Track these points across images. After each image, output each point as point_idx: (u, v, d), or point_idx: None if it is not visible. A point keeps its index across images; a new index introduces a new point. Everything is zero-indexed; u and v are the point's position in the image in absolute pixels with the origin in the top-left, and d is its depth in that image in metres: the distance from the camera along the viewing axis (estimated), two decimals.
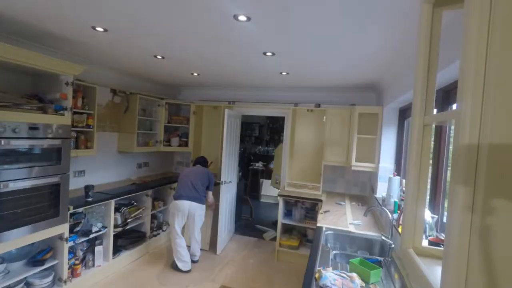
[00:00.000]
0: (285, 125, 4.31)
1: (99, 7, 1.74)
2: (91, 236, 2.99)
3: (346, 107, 3.80)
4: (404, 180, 2.64)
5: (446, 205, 1.86)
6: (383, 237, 2.32)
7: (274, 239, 3.65)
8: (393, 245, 2.09)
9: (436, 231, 1.87)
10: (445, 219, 1.55)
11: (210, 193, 3.68)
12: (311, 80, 3.58)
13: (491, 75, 0.46)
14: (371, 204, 3.22)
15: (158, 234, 4.08)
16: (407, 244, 0.85)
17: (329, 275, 1.63)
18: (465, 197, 0.49)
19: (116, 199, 3.28)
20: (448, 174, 1.84)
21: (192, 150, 4.63)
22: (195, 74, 3.63)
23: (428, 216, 1.67)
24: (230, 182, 4.13)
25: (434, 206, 1.93)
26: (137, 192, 3.64)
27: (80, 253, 2.97)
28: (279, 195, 3.91)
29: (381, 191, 3.20)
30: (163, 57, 2.85)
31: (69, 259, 2.76)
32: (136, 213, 3.68)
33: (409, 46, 2.00)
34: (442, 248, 0.71)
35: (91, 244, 3.12)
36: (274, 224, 4.77)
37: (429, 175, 1.87)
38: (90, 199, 2.94)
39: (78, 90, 3.01)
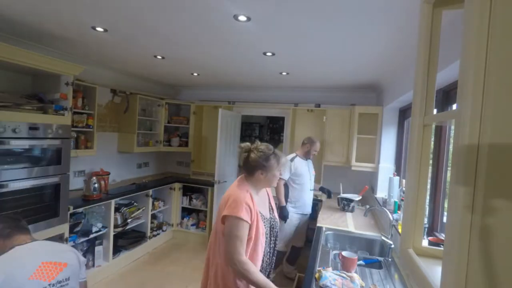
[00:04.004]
0: (285, 125, 4.31)
1: (99, 7, 1.74)
2: (91, 236, 2.99)
3: (346, 107, 3.80)
4: (404, 180, 2.64)
5: (446, 205, 1.86)
6: (383, 237, 2.32)
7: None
8: (393, 245, 2.09)
9: (436, 231, 1.87)
10: (445, 219, 1.55)
11: None
12: (311, 80, 3.58)
13: (491, 75, 0.46)
14: (371, 204, 3.22)
15: (158, 234, 4.08)
16: (407, 244, 0.85)
17: (329, 275, 1.63)
18: (465, 197, 0.49)
19: (116, 199, 3.29)
20: (448, 174, 1.84)
21: (192, 150, 4.63)
22: (195, 74, 3.63)
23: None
24: (225, 182, 4.12)
25: (434, 206, 1.93)
26: (137, 192, 3.65)
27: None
28: None
29: (381, 191, 3.20)
30: (163, 57, 2.85)
31: None
32: (136, 213, 3.69)
33: (409, 46, 2.00)
34: (442, 248, 0.71)
35: (91, 244, 3.13)
36: None
37: (429, 175, 1.87)
38: None
39: (78, 90, 3.01)
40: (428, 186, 1.57)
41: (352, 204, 3.18)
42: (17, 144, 2.18)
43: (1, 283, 1.21)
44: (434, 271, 0.74)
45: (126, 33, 2.19)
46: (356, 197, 3.22)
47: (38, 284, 1.30)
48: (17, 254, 1.34)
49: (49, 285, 1.34)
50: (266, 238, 1.55)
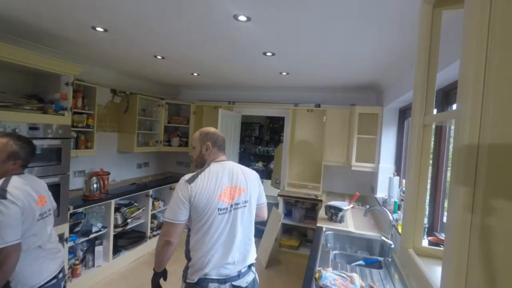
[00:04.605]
0: (285, 125, 4.31)
1: (99, 7, 1.74)
2: (91, 236, 2.99)
3: (346, 107, 3.80)
4: (404, 180, 2.64)
5: (446, 205, 1.86)
6: (383, 237, 2.32)
7: (274, 239, 3.64)
8: (393, 245, 2.09)
9: (436, 231, 1.87)
10: (445, 219, 1.55)
11: None
12: (311, 80, 3.58)
13: (491, 75, 0.46)
14: (371, 204, 3.22)
15: (158, 234, 4.08)
16: (407, 244, 0.85)
17: (329, 275, 1.63)
18: (465, 197, 0.49)
19: (116, 199, 3.29)
20: (448, 174, 1.84)
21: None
22: (195, 74, 3.63)
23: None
24: None
25: (434, 206, 1.93)
26: (137, 192, 3.64)
27: (80, 253, 2.97)
28: (279, 195, 3.91)
29: (381, 191, 3.20)
30: (163, 57, 2.85)
31: (69, 259, 2.76)
32: (136, 213, 3.68)
33: (409, 46, 2.00)
34: (442, 248, 0.71)
35: (91, 244, 3.12)
36: None
37: (429, 175, 1.87)
38: None
39: (78, 90, 3.01)
40: (428, 186, 1.57)
41: (340, 214, 2.67)
42: None
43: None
44: (434, 271, 0.74)
45: (126, 33, 2.19)
46: (346, 206, 2.74)
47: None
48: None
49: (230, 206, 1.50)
50: None
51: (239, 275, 1.48)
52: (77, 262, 2.87)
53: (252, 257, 1.57)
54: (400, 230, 2.06)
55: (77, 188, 3.22)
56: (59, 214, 2.52)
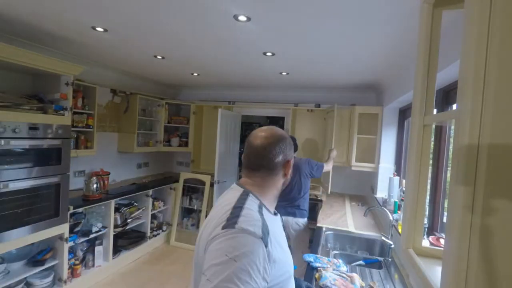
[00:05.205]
0: (285, 125, 4.31)
1: (99, 7, 1.74)
2: (91, 236, 2.99)
3: (346, 107, 3.80)
4: (404, 180, 2.64)
5: (446, 205, 1.86)
6: (383, 237, 2.32)
7: None
8: (393, 245, 2.09)
9: (436, 231, 1.87)
10: (445, 219, 1.55)
11: None
12: (311, 80, 3.58)
13: (491, 75, 0.46)
14: (371, 204, 3.22)
15: (158, 234, 4.08)
16: (407, 244, 0.85)
17: (329, 275, 1.63)
18: (465, 197, 0.49)
19: (116, 199, 3.29)
20: (448, 174, 1.84)
21: (192, 150, 4.63)
22: (195, 74, 3.63)
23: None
24: (225, 182, 4.12)
25: (434, 206, 1.93)
26: (137, 192, 3.64)
27: (80, 253, 2.97)
28: None
29: (381, 191, 3.20)
30: (163, 57, 2.85)
31: (69, 259, 2.76)
32: (136, 213, 3.68)
33: (409, 46, 2.00)
34: (442, 248, 0.71)
35: (91, 244, 3.13)
36: None
37: (429, 175, 1.87)
38: None
39: (78, 90, 3.01)
40: (428, 186, 1.57)
41: None
42: (17, 144, 2.18)
43: None
44: (434, 271, 0.74)
45: (126, 33, 2.19)
46: None
47: None
48: None
49: None
50: None
51: None
52: (77, 262, 2.87)
53: None
54: (400, 230, 2.06)
55: (77, 188, 3.22)
56: (59, 215, 2.53)
